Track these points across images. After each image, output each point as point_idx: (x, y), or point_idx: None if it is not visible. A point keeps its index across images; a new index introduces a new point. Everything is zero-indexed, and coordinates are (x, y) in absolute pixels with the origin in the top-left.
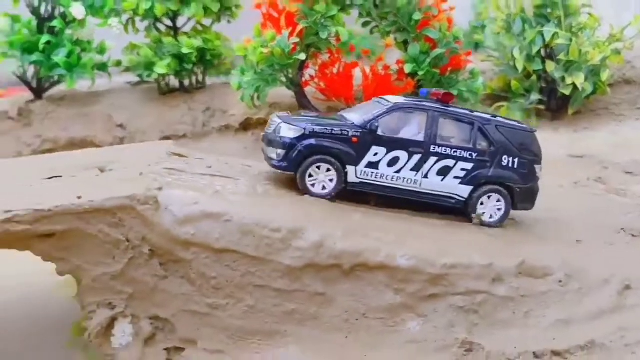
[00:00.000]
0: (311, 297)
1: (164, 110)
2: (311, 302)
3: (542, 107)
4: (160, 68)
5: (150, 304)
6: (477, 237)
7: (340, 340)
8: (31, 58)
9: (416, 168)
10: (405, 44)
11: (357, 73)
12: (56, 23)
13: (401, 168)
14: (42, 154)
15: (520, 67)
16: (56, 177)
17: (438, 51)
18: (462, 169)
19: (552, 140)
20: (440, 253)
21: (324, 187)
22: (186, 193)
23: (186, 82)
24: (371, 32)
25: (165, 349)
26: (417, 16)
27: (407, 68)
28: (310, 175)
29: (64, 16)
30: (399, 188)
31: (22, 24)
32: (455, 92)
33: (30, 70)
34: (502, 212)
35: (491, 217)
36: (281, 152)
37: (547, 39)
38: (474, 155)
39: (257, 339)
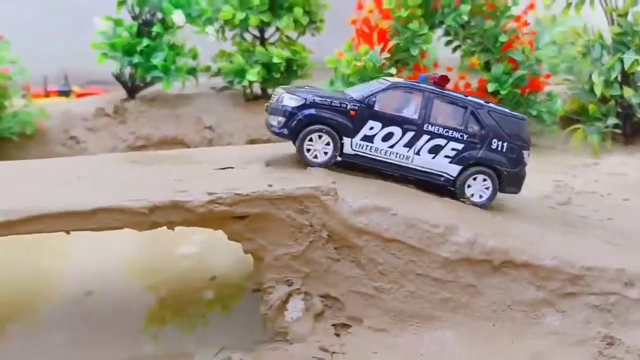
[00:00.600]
0: (464, 287)
1: (249, 115)
2: (464, 292)
3: (617, 130)
4: (251, 75)
5: (322, 283)
6: (603, 245)
7: (488, 328)
8: (131, 60)
9: (409, 144)
10: (486, 64)
11: None
12: (157, 28)
13: (395, 143)
14: (136, 150)
15: (598, 91)
16: (228, 167)
17: (520, 72)
18: (453, 149)
19: (630, 164)
20: (578, 256)
21: (316, 156)
22: (356, 188)
23: (269, 90)
24: (453, 50)
25: (333, 325)
26: (503, 38)
27: (490, 87)
28: (310, 141)
29: (162, 22)
30: (391, 162)
31: (124, 27)
32: (534, 113)
33: (126, 71)
34: (489, 193)
35: (480, 197)
36: (282, 119)
37: (627, 66)
38: (465, 136)
39: (415, 322)
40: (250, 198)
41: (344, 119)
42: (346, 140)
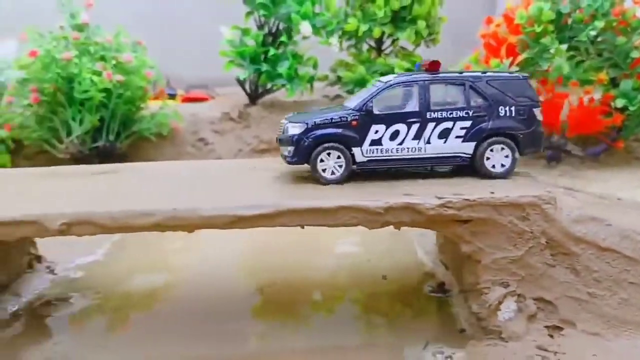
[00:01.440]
0: None
1: None
2: None
3: None
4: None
5: (536, 286)
6: None
7: None
8: (258, 67)
9: (417, 136)
10: (613, 80)
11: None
12: (283, 38)
13: (403, 139)
14: (260, 153)
15: None
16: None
17: None
18: (462, 128)
19: None
20: None
21: (333, 173)
22: (570, 198)
23: None
24: (576, 65)
25: (546, 327)
26: (634, 54)
27: (619, 103)
28: (322, 161)
29: (287, 31)
30: (405, 158)
31: (251, 36)
32: None
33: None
34: (510, 160)
35: (502, 166)
36: (291, 148)
37: None
38: (470, 112)
39: (628, 328)
40: (476, 203)
41: (348, 131)
42: (355, 150)
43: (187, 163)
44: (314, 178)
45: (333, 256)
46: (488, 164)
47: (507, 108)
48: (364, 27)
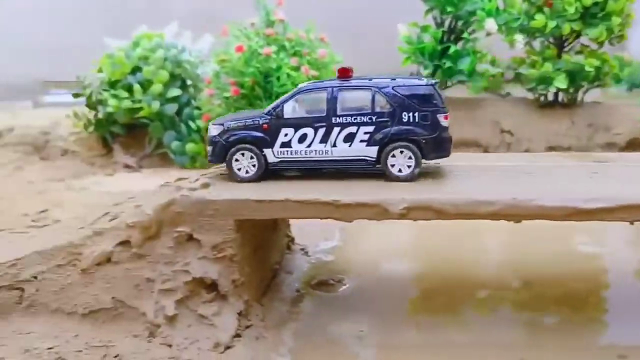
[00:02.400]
0: None
1: (547, 122)
2: None
3: None
4: (560, 82)
5: None
6: None
7: None
8: (438, 64)
9: (324, 140)
10: None
11: None
12: (465, 35)
13: (311, 142)
14: None
15: None
16: None
17: None
18: (365, 133)
19: None
20: None
21: (247, 172)
22: None
23: (560, 97)
24: None
25: None
26: None
27: None
28: (237, 161)
29: (466, 28)
30: (313, 160)
31: (430, 33)
32: None
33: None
34: (413, 165)
35: (401, 171)
36: (209, 148)
37: None
38: (374, 118)
39: None
40: None
41: (259, 134)
42: (267, 152)
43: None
44: (230, 177)
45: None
46: (392, 168)
47: (410, 114)
48: (552, 24)
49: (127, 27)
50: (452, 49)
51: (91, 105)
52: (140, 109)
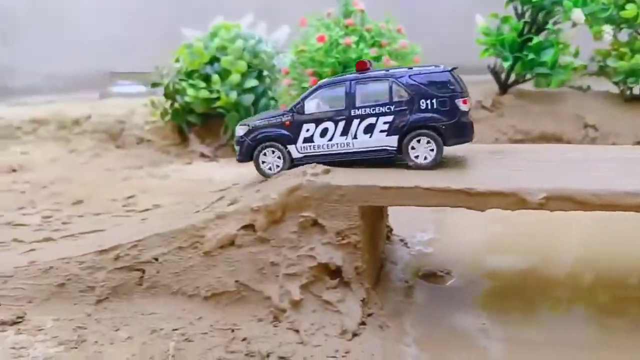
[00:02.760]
0: None
1: (634, 116)
2: None
3: None
4: None
5: None
6: None
7: None
8: (519, 55)
9: (344, 132)
10: None
11: None
12: (550, 26)
13: (332, 136)
14: (517, 143)
15: None
16: None
17: None
18: (385, 122)
19: None
20: None
21: (271, 168)
22: None
23: None
24: None
25: None
26: None
27: None
28: (263, 161)
29: (547, 18)
30: (336, 153)
31: (511, 24)
32: None
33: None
34: (434, 152)
35: (425, 158)
36: (237, 148)
37: None
38: (392, 107)
39: None
40: None
41: (282, 130)
42: (291, 148)
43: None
44: (259, 174)
45: None
46: (413, 156)
47: (428, 101)
48: None
49: (196, 18)
50: (535, 40)
51: (169, 94)
52: (217, 99)
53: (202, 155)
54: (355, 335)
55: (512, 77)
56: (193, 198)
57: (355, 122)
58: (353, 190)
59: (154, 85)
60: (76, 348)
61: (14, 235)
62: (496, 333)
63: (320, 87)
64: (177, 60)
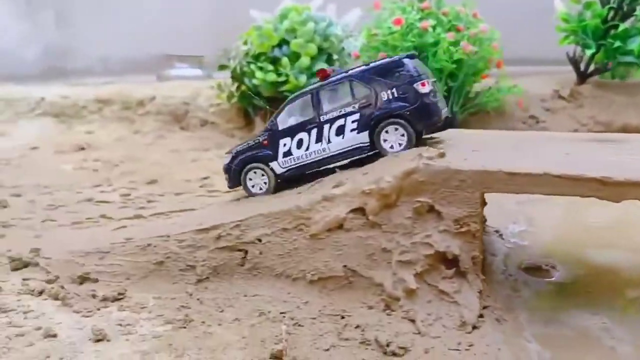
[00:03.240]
0: None
1: None
2: None
3: None
4: None
5: None
6: None
7: None
8: (604, 43)
9: (318, 139)
10: None
11: None
12: (637, 13)
13: (308, 145)
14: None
15: None
16: None
17: None
18: (353, 121)
19: None
20: None
21: (261, 188)
22: None
23: None
24: None
25: None
26: None
27: None
28: (251, 180)
29: (637, 2)
30: (315, 160)
31: (595, 12)
32: None
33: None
34: (406, 137)
35: (399, 145)
36: (226, 176)
37: None
38: (356, 106)
39: None
40: None
41: (262, 150)
42: (273, 164)
43: None
44: (249, 195)
45: None
46: (387, 147)
47: (388, 91)
48: None
49: (252, 1)
50: (621, 27)
51: (236, 77)
52: (285, 82)
53: None
54: (474, 328)
55: (592, 66)
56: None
57: (326, 127)
58: (475, 176)
59: (222, 67)
60: (184, 328)
61: (99, 211)
62: (621, 333)
63: (288, 102)
64: (245, 43)
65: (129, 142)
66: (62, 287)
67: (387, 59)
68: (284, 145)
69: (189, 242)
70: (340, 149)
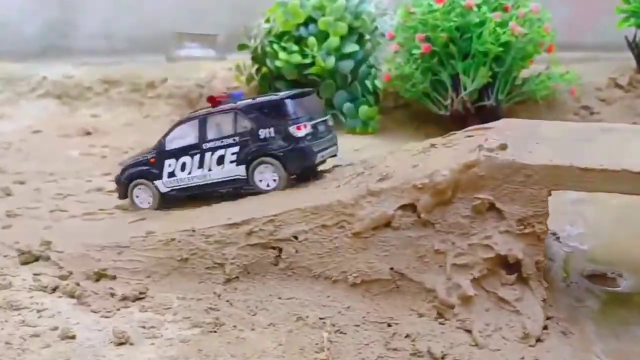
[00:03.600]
0: None
1: None
2: None
3: None
4: None
5: None
6: None
7: None
8: None
9: (200, 165)
10: None
11: None
12: None
13: (191, 169)
14: None
15: None
16: None
17: None
18: (233, 153)
19: None
20: None
21: (148, 203)
22: None
23: None
24: None
25: None
26: None
27: None
28: (137, 196)
29: None
30: (197, 185)
31: None
32: None
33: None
34: (278, 178)
35: (268, 185)
36: (116, 187)
37: None
38: (237, 138)
39: None
40: None
41: (148, 168)
42: (158, 183)
43: None
44: (133, 209)
45: None
46: (260, 183)
47: (266, 130)
48: None
49: None
50: None
51: (257, 58)
52: (312, 64)
53: None
54: (538, 340)
55: None
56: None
57: (208, 154)
58: (543, 171)
59: (241, 47)
60: (215, 332)
61: (111, 202)
62: None
63: (178, 123)
64: (267, 21)
65: (138, 127)
66: (78, 284)
67: (270, 97)
68: (169, 165)
69: (217, 237)
70: (220, 178)
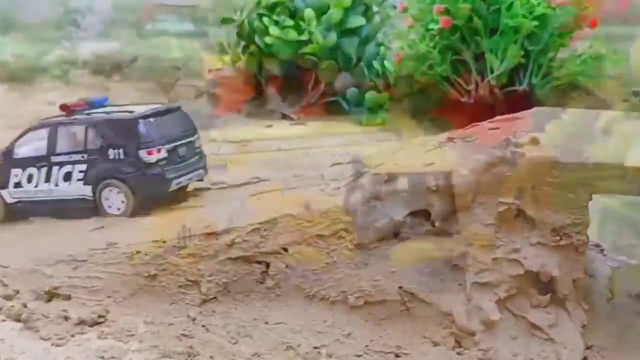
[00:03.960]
0: None
1: None
2: None
3: None
4: None
5: None
6: None
7: None
8: None
9: (47, 179)
10: None
11: None
12: None
13: (37, 183)
14: None
15: None
16: None
17: None
18: (80, 171)
19: None
20: None
21: None
22: None
23: None
24: None
25: None
26: None
27: None
28: None
29: None
30: (41, 200)
31: None
32: None
33: None
34: (126, 202)
35: (119, 209)
36: None
37: None
38: (86, 156)
39: None
40: None
41: None
42: (4, 192)
43: None
44: None
45: None
46: (107, 207)
47: (116, 151)
48: None
49: None
50: None
51: (243, 34)
52: (309, 41)
53: (284, 116)
54: None
55: None
56: (307, 170)
57: (56, 169)
58: (583, 170)
59: (225, 21)
60: None
61: None
62: None
63: (29, 130)
64: None
65: None
66: (25, 305)
67: (125, 114)
68: (16, 175)
69: (191, 249)
70: (67, 196)
